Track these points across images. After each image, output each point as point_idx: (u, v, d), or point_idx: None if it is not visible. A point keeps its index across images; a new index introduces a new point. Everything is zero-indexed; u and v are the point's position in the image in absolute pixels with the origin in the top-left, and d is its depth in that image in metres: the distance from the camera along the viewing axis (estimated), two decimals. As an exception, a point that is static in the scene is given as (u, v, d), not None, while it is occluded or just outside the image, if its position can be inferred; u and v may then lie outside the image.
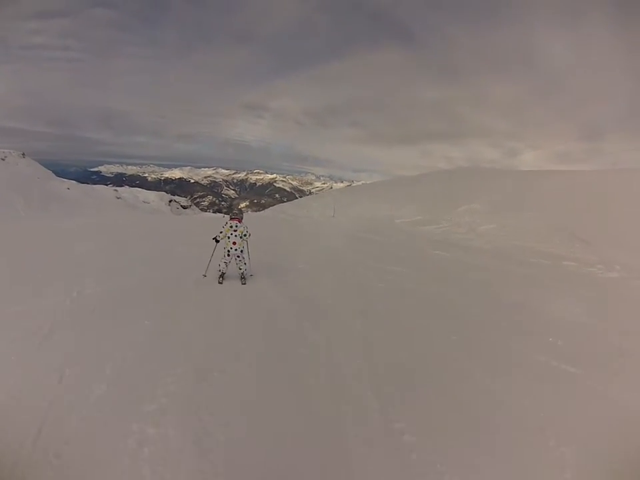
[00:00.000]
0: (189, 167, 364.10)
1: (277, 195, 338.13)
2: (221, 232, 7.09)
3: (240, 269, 7.12)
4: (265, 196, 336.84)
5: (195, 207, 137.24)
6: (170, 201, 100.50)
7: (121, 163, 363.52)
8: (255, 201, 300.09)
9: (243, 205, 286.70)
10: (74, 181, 75.55)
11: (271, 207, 39.44)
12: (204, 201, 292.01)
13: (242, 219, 7.27)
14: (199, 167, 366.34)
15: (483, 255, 11.22)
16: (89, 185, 78.34)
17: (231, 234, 6.94)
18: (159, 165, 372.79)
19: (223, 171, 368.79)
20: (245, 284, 7.02)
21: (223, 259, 7.04)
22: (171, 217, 46.14)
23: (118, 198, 75.99)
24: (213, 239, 7.18)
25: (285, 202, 44.06)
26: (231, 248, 6.92)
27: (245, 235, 7.03)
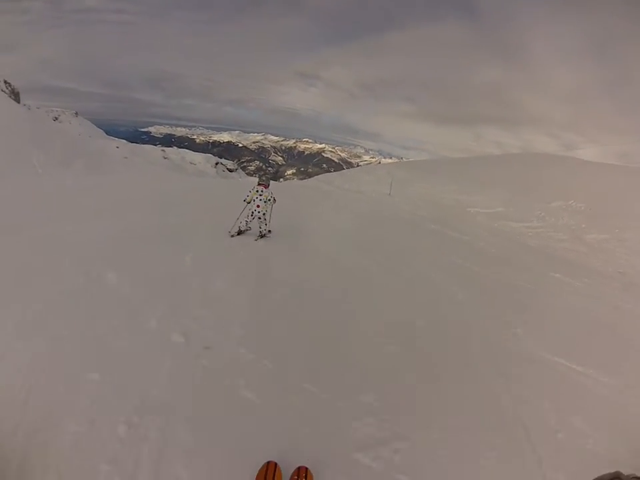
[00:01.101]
0: (238, 131, 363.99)
1: (324, 165, 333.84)
2: (247, 195, 7.59)
3: (260, 227, 7.76)
4: (312, 165, 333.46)
5: (241, 170, 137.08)
6: (216, 164, 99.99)
7: (170, 125, 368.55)
8: (302, 169, 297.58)
9: (289, 172, 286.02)
10: (124, 140, 76.25)
11: (315, 176, 35.66)
12: (251, 166, 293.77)
13: (268, 185, 7.79)
14: (248, 132, 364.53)
15: (624, 289, 7.65)
16: (137, 145, 78.92)
17: (256, 197, 7.51)
18: (207, 128, 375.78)
19: (271, 137, 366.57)
20: (257, 240, 7.57)
21: (246, 217, 7.64)
22: (213, 180, 43.64)
23: (165, 158, 76.04)
24: (244, 200, 7.63)
25: (331, 172, 40.34)
26: (255, 210, 7.48)
27: (269, 200, 7.61)
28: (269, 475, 2.48)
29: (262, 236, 7.73)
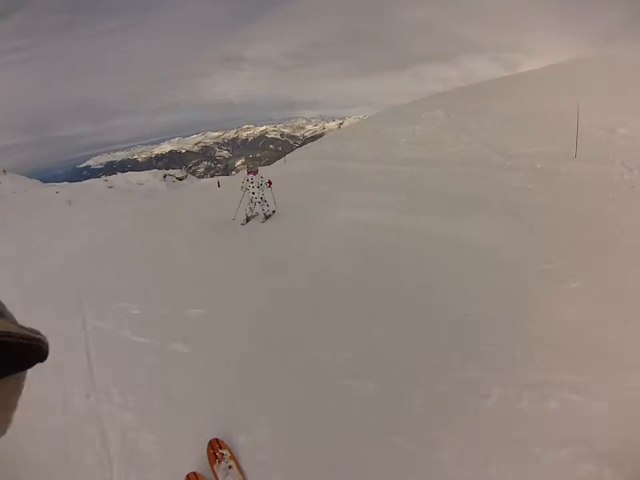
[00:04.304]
0: (177, 138, 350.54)
1: (271, 146, 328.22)
2: (241, 185, 8.48)
3: (263, 209, 8.44)
4: (259, 149, 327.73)
5: (191, 176, 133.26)
6: (164, 176, 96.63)
7: (108, 152, 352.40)
8: (250, 156, 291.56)
9: (238, 162, 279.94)
10: (65, 182, 72.09)
11: (289, 154, 23.05)
12: (199, 168, 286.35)
13: (257, 172, 8.40)
14: (188, 136, 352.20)
15: None
16: (79, 182, 74.60)
17: (249, 186, 8.28)
18: (146, 144, 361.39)
19: (211, 133, 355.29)
20: (263, 222, 8.40)
21: (248, 205, 8.42)
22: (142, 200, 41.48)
23: (110, 187, 72.37)
24: (241, 189, 8.49)
25: (296, 147, 37.12)
26: (252, 196, 8.30)
27: (260, 185, 8.27)
28: (217, 449, 2.72)
29: (267, 217, 8.50)
